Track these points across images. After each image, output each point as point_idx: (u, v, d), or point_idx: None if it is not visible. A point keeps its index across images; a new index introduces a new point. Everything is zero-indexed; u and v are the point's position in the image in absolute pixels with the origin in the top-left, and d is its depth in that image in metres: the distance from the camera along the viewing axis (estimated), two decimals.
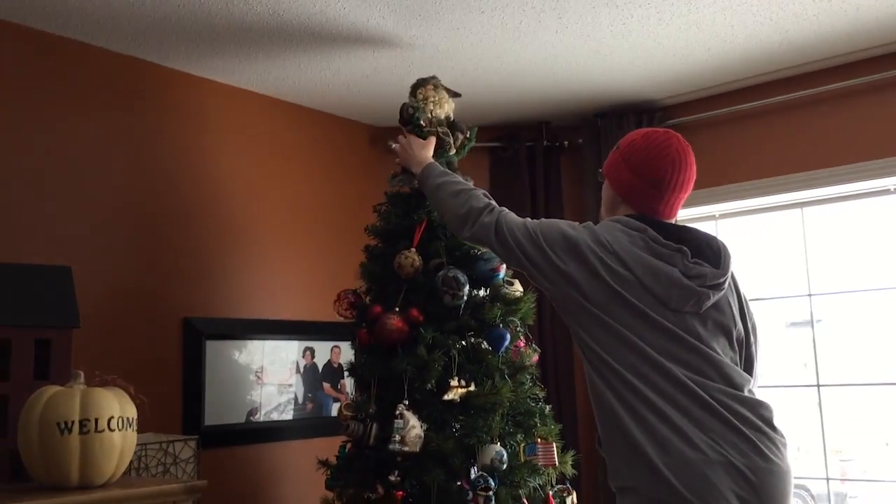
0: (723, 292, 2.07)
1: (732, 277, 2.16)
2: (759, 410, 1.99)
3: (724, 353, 2.05)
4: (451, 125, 2.77)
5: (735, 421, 1.93)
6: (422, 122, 2.70)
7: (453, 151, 2.77)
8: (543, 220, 2.20)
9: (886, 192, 3.20)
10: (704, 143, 3.49)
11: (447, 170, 2.49)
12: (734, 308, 2.12)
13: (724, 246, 2.13)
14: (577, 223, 2.15)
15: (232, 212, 3.14)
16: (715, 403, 1.93)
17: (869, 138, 3.15)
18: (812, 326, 3.36)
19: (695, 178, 2.17)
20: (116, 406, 1.95)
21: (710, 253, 2.09)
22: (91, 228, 2.71)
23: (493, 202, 2.29)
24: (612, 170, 2.20)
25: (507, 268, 2.29)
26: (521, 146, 3.73)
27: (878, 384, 3.29)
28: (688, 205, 3.38)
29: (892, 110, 3.11)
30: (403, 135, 2.66)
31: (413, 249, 2.61)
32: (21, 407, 1.94)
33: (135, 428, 2.00)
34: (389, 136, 3.76)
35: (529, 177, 3.72)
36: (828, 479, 3.25)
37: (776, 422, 2.00)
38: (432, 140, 2.67)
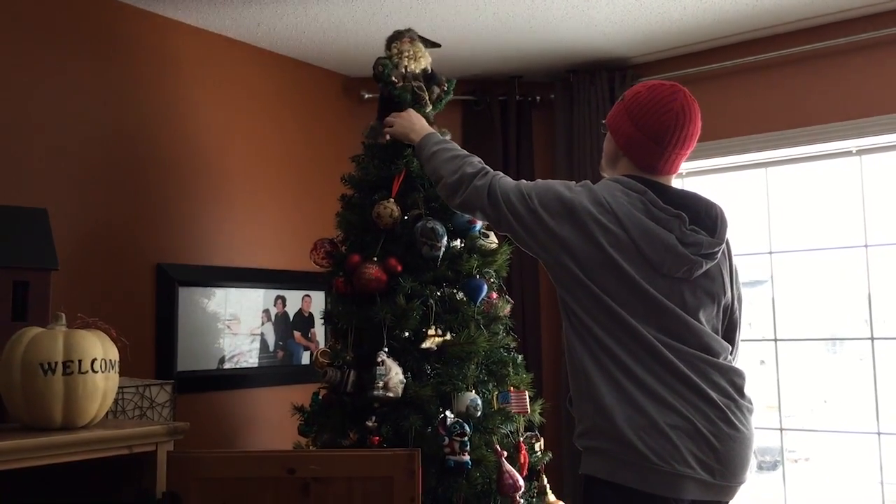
0: (716, 261, 2.10)
1: (727, 245, 2.18)
2: (731, 377, 2.05)
3: (707, 322, 2.09)
4: (429, 78, 2.75)
5: (706, 388, 1.99)
6: (393, 79, 2.67)
7: (429, 108, 2.74)
8: (539, 181, 2.17)
9: (848, 153, 3.29)
10: None
11: (445, 138, 2.48)
12: (725, 276, 2.15)
13: (723, 213, 2.13)
14: (573, 183, 2.14)
15: (206, 159, 3.10)
16: (688, 371, 1.98)
17: (833, 100, 3.22)
18: (772, 284, 3.47)
19: (699, 134, 2.15)
20: (100, 348, 1.94)
21: (709, 221, 2.09)
22: (65, 172, 2.66)
23: (488, 167, 2.27)
24: (614, 122, 2.17)
25: (498, 233, 2.28)
26: (493, 100, 3.73)
27: (830, 339, 3.42)
28: None
29: (856, 74, 3.18)
30: (397, 110, 2.64)
31: (392, 200, 2.61)
32: (2, 349, 1.93)
33: (117, 370, 2.00)
34: (362, 87, 3.75)
35: (502, 131, 3.73)
36: (781, 430, 3.39)
37: (746, 389, 2.07)
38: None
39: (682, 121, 2.09)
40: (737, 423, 2.00)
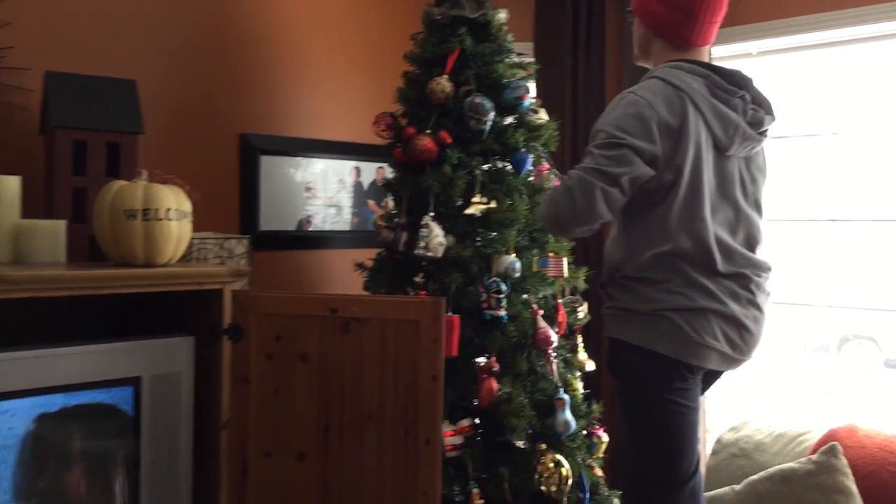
0: (766, 139, 2.21)
1: None
2: (767, 273, 2.22)
3: (755, 207, 2.21)
4: None
5: (745, 280, 2.15)
6: None
7: None
8: (603, 133, 2.09)
9: None
10: None
11: None
12: (764, 153, 2.28)
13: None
14: (638, 99, 2.08)
15: (288, 36, 3.35)
16: (732, 268, 2.13)
17: None
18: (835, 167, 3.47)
19: None
20: (173, 199, 2.27)
21: (762, 98, 2.18)
22: (155, 45, 2.96)
23: (564, 177, 2.18)
24: (639, 4, 2.24)
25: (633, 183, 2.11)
26: None
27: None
28: (724, 41, 3.45)
29: None
30: None
31: (445, 76, 2.80)
32: (96, 198, 2.29)
33: (190, 220, 2.34)
34: None
35: (573, 13, 3.73)
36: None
37: (770, 278, 2.24)
38: None
39: None
40: (762, 305, 2.20)
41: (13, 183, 2.29)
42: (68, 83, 2.44)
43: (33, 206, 2.44)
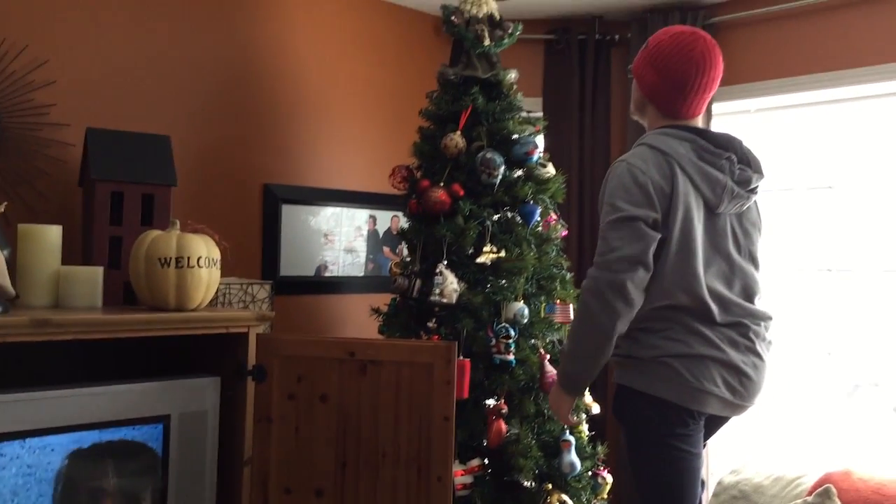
0: (757, 195, 2.34)
1: None
2: (766, 322, 2.32)
3: (753, 253, 2.32)
4: (494, 23, 3.06)
5: (743, 328, 2.26)
6: (453, 19, 3.01)
7: (487, 42, 3.01)
8: (608, 207, 2.17)
9: None
10: (744, 39, 3.67)
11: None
12: (758, 208, 2.41)
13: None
14: (632, 168, 2.18)
15: (308, 93, 3.54)
16: (730, 318, 2.24)
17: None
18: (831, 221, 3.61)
19: (720, 76, 2.30)
20: (204, 248, 2.43)
21: (750, 157, 2.30)
22: (186, 104, 3.15)
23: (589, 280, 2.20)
24: (639, 70, 2.36)
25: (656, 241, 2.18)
26: (573, 39, 3.96)
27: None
28: (724, 99, 3.63)
29: None
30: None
31: (458, 132, 2.97)
32: (132, 246, 2.45)
33: (219, 267, 2.49)
34: None
35: (579, 70, 3.95)
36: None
37: (770, 327, 2.34)
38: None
39: (703, 68, 2.24)
40: (762, 354, 2.31)
41: (55, 232, 2.46)
42: (107, 139, 2.62)
43: (72, 253, 2.61)
